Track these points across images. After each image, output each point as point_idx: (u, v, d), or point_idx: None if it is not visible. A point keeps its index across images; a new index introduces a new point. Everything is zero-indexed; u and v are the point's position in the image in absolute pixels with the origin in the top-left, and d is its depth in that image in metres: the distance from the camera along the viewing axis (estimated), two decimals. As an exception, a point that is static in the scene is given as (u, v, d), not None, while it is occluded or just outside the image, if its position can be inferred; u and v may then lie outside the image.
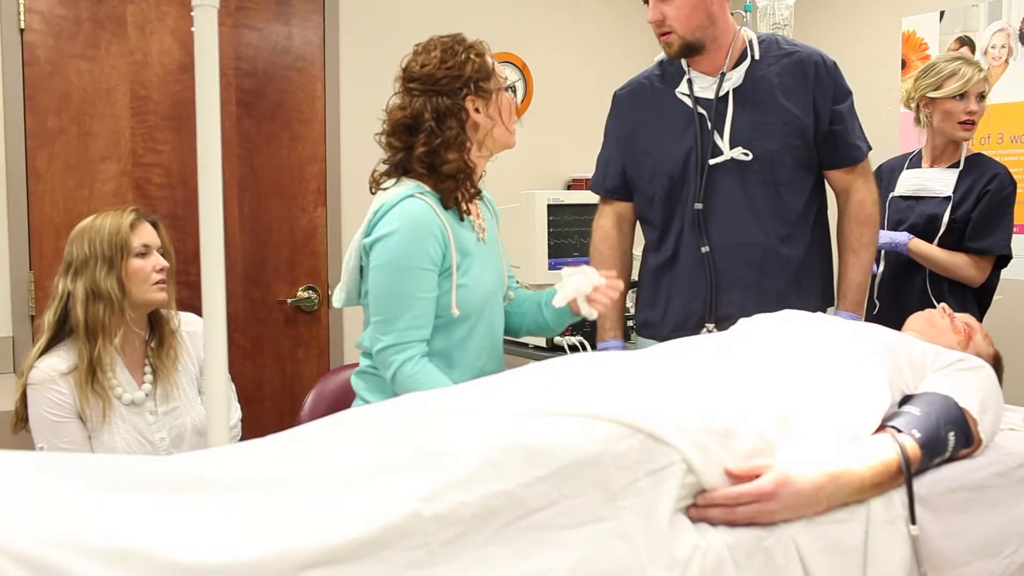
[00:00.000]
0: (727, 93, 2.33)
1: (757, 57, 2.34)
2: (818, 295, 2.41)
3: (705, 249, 2.34)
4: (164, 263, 2.26)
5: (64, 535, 1.01)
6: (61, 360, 2.16)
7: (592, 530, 1.20)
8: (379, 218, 1.94)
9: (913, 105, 3.02)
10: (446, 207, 1.98)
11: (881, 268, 3.07)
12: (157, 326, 2.31)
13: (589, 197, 3.70)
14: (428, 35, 2.08)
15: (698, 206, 2.34)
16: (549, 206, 3.53)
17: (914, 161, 3.08)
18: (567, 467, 1.22)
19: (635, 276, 2.65)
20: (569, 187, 4.19)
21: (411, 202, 1.93)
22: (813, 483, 1.38)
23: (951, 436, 1.58)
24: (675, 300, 2.42)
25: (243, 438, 2.43)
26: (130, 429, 2.20)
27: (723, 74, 2.33)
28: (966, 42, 3.88)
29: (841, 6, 4.34)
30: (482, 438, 1.23)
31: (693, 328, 2.35)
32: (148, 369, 2.28)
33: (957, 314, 2.19)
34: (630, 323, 2.66)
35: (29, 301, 3.14)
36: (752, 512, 1.33)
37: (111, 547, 1.01)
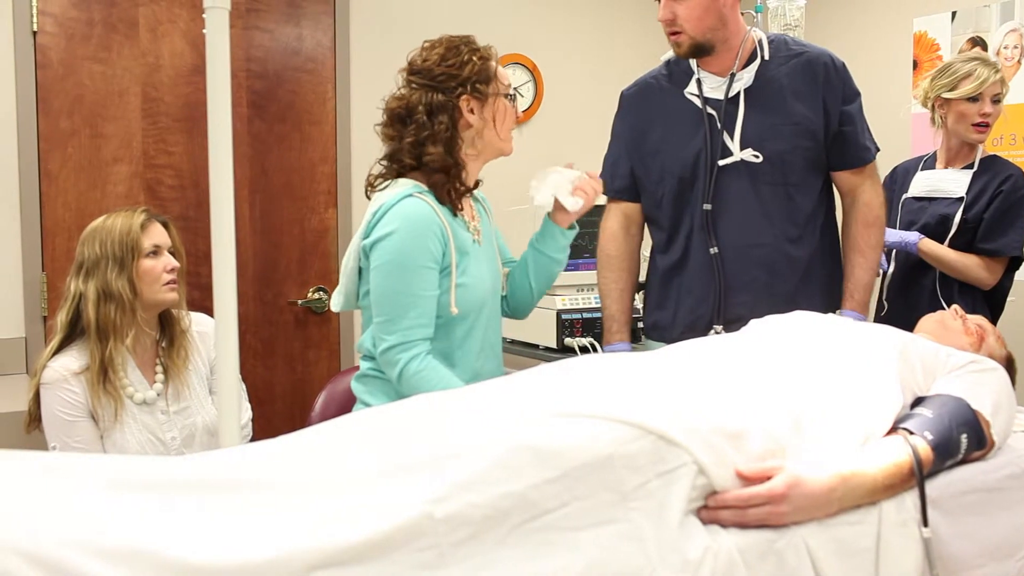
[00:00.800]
0: (737, 94, 2.32)
1: (767, 58, 2.33)
2: (827, 296, 2.40)
3: (714, 250, 2.33)
4: (175, 263, 2.26)
5: (76, 535, 1.01)
6: (73, 360, 2.16)
7: (603, 532, 1.20)
8: (378, 219, 1.95)
9: (929, 105, 2.99)
10: (440, 202, 2.00)
11: (891, 268, 3.05)
12: (168, 326, 2.32)
13: (600, 198, 3.70)
14: (438, 36, 2.10)
15: (707, 207, 2.32)
16: (559, 207, 3.53)
17: (928, 163, 3.06)
18: (578, 468, 1.22)
19: (642, 277, 2.64)
20: (592, 189, 4.18)
21: (410, 201, 1.94)
22: (824, 485, 1.37)
23: (963, 438, 1.57)
24: (685, 302, 2.40)
25: (254, 438, 2.43)
26: (142, 428, 2.20)
27: (733, 74, 2.33)
28: (978, 42, 3.86)
29: (852, 7, 4.33)
30: (493, 439, 1.23)
31: (703, 330, 2.34)
32: (159, 368, 2.29)
33: (969, 316, 2.17)
34: (639, 325, 2.63)
35: (41, 302, 3.15)
36: (763, 514, 1.33)
37: (123, 547, 1.01)
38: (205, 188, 2.33)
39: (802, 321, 1.95)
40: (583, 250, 3.52)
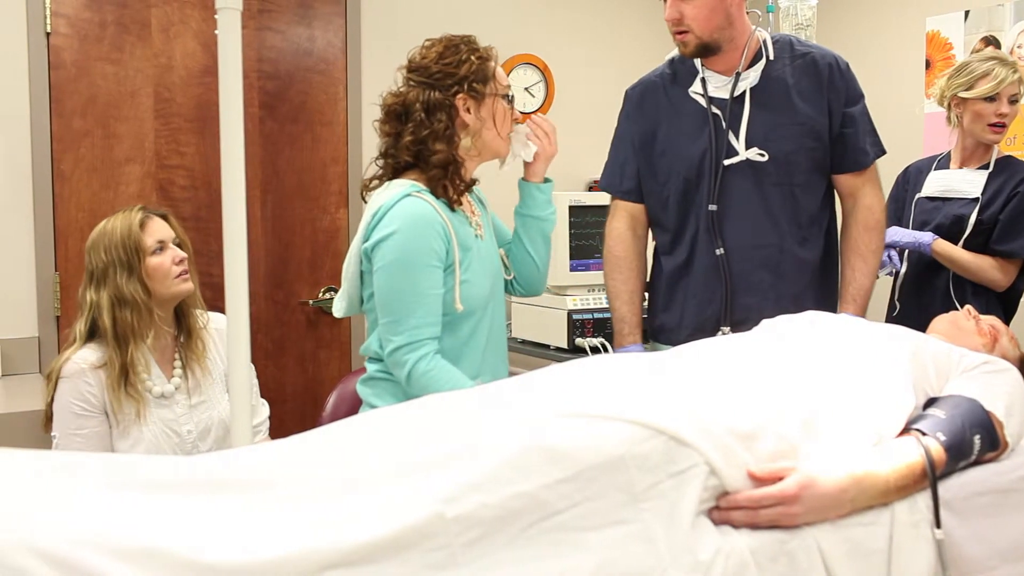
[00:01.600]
0: (743, 93, 2.31)
1: (772, 57, 2.32)
2: (833, 298, 2.39)
3: (720, 251, 2.31)
4: (182, 254, 2.25)
5: (90, 534, 1.01)
6: (92, 352, 2.16)
7: (614, 532, 1.20)
8: (377, 220, 1.95)
9: (945, 104, 2.97)
10: (436, 196, 1.99)
11: (904, 268, 3.03)
12: (184, 318, 2.31)
13: (603, 198, 3.70)
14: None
15: (712, 207, 2.31)
16: (571, 207, 3.53)
17: (942, 162, 3.03)
18: (589, 469, 1.21)
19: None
20: (590, 188, 4.18)
21: (410, 201, 1.94)
22: (837, 485, 1.37)
23: (976, 439, 1.56)
24: (691, 304, 2.38)
25: (266, 439, 2.44)
26: (157, 421, 2.19)
27: (738, 74, 2.31)
28: (992, 42, 3.83)
29: (864, 6, 4.31)
30: (504, 439, 1.23)
31: (710, 332, 2.31)
32: (178, 363, 2.29)
33: (983, 316, 2.16)
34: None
35: (54, 302, 3.16)
36: (775, 515, 1.32)
37: (136, 546, 1.01)
38: (217, 188, 2.34)
39: (814, 321, 1.94)
40: (594, 250, 3.52)
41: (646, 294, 2.55)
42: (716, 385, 1.51)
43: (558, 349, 3.46)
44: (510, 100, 2.12)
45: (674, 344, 2.25)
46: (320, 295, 3.70)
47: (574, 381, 1.48)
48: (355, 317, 3.75)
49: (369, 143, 3.73)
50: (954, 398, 1.65)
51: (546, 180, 2.23)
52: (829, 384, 1.59)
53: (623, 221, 2.50)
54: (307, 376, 3.71)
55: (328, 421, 2.35)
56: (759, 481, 1.34)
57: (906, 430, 1.56)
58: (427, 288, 1.92)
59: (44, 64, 3.15)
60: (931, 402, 1.67)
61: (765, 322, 2.02)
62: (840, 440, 1.48)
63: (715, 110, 2.32)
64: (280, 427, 2.42)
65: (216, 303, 2.15)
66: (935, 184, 2.99)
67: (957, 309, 2.67)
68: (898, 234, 2.88)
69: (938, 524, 1.44)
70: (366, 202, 2.07)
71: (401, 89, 2.06)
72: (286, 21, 3.60)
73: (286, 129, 3.61)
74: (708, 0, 2.21)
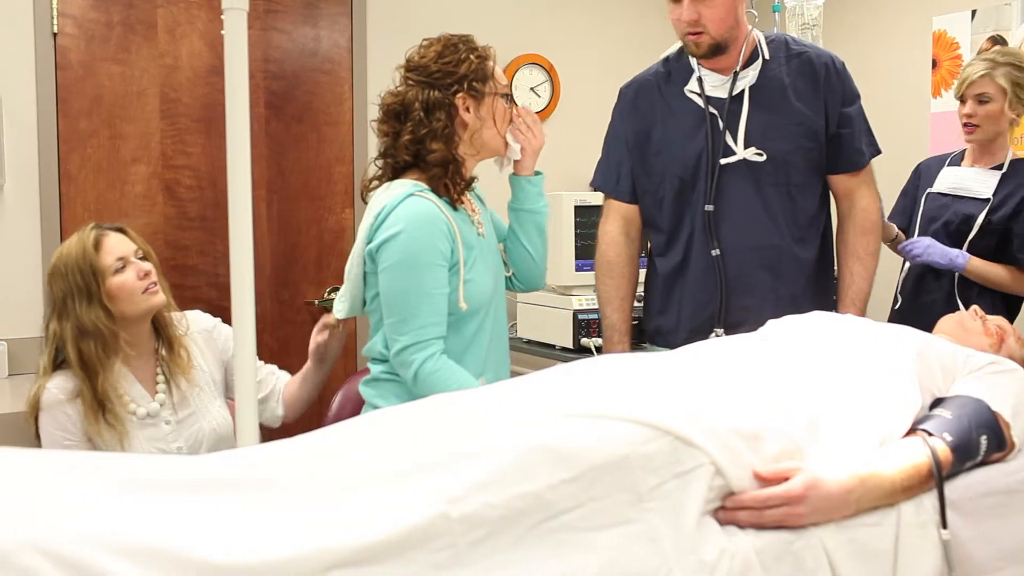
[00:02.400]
0: (741, 92, 2.29)
1: (767, 57, 2.32)
2: (828, 298, 2.39)
3: (716, 252, 2.29)
4: (146, 267, 2.11)
5: (97, 534, 1.02)
6: (67, 380, 2.06)
7: (619, 532, 1.20)
8: (381, 220, 1.94)
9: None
10: (438, 196, 1.99)
11: (907, 265, 3.01)
12: (162, 330, 2.19)
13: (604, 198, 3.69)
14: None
15: (708, 208, 2.29)
16: (576, 207, 3.53)
17: (955, 160, 3.01)
18: (594, 469, 1.21)
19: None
20: (596, 188, 4.17)
21: (414, 200, 1.94)
22: (842, 486, 1.37)
23: (983, 440, 1.56)
24: (687, 306, 2.36)
25: (271, 439, 2.44)
26: (144, 444, 2.10)
27: (736, 73, 2.30)
28: (999, 41, 3.82)
29: (871, 6, 4.30)
30: (509, 439, 1.23)
31: (707, 334, 2.28)
32: (161, 377, 2.17)
33: (989, 316, 2.16)
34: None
35: (61, 302, 3.17)
36: (780, 515, 1.32)
37: (143, 546, 1.01)
38: (223, 188, 2.35)
39: (820, 321, 1.94)
40: (599, 250, 3.51)
41: (640, 296, 2.53)
42: (721, 385, 1.51)
43: (563, 349, 3.46)
44: (509, 99, 2.11)
45: (671, 347, 2.22)
46: (325, 295, 3.70)
47: (579, 381, 1.48)
48: (361, 317, 3.74)
49: (375, 143, 3.73)
50: (960, 398, 1.65)
51: (536, 173, 2.21)
52: (835, 384, 1.59)
53: (616, 224, 2.46)
54: (313, 376, 3.70)
55: (333, 421, 2.35)
56: (765, 481, 1.34)
57: (912, 430, 1.56)
58: (433, 288, 1.92)
59: (51, 64, 3.16)
60: (937, 402, 1.67)
61: (771, 322, 2.01)
62: (846, 440, 1.48)
63: (712, 109, 2.30)
64: (285, 427, 2.42)
65: (222, 303, 2.15)
66: (947, 180, 2.95)
67: (959, 307, 2.66)
68: (932, 253, 2.78)
69: (944, 525, 1.44)
70: (367, 203, 2.06)
71: (400, 88, 2.06)
72: (292, 21, 3.60)
73: (292, 129, 3.61)
74: (725, 1, 2.20)
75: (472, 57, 2.03)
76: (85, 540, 1.00)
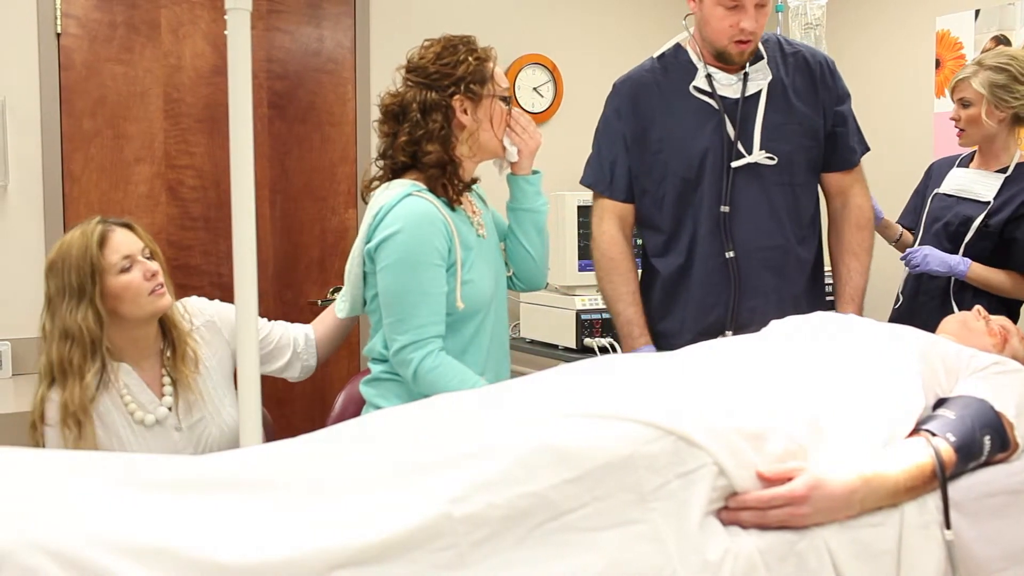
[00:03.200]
0: (756, 93, 2.29)
1: (765, 56, 2.32)
2: (824, 297, 2.40)
3: (730, 254, 2.28)
4: (153, 267, 1.99)
5: (101, 534, 1.02)
6: None
7: (622, 532, 1.20)
8: (379, 220, 1.94)
9: None
10: (437, 196, 1.99)
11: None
12: (168, 331, 2.07)
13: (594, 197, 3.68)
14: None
15: (724, 209, 2.27)
16: (579, 207, 3.53)
17: (964, 161, 2.99)
18: (597, 469, 1.21)
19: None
20: (587, 186, 4.17)
21: (411, 200, 1.94)
22: (846, 486, 1.37)
23: (986, 440, 1.56)
24: (692, 309, 2.33)
25: (274, 439, 2.43)
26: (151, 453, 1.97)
27: (746, 73, 2.29)
28: (1002, 41, 3.82)
29: (874, 5, 4.30)
30: (512, 439, 1.23)
31: (714, 337, 2.23)
32: (167, 380, 2.06)
33: (993, 316, 2.15)
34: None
35: (64, 302, 3.17)
36: (784, 515, 1.32)
37: (147, 546, 1.02)
38: (226, 188, 2.36)
39: (823, 322, 1.94)
40: (602, 250, 3.51)
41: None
42: (725, 385, 1.51)
43: (567, 349, 3.46)
44: (508, 101, 2.11)
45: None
46: (329, 295, 3.71)
47: (582, 381, 1.48)
48: (364, 317, 3.75)
49: (377, 143, 3.73)
50: (964, 399, 1.65)
51: (534, 172, 2.20)
52: (839, 385, 1.59)
53: (614, 223, 2.41)
54: (315, 376, 3.67)
55: (336, 421, 2.34)
56: (768, 481, 1.34)
57: (916, 431, 1.56)
58: (431, 287, 1.92)
59: (54, 65, 3.17)
60: (941, 403, 1.67)
61: (774, 323, 2.01)
62: (849, 441, 1.48)
63: (717, 107, 2.28)
64: (288, 427, 2.41)
65: (225, 302, 2.15)
66: (953, 182, 2.94)
67: (955, 308, 2.64)
68: (930, 262, 2.75)
69: (948, 525, 1.44)
70: (367, 203, 2.07)
71: (399, 89, 2.07)
72: (295, 21, 3.61)
73: (295, 129, 3.62)
74: (767, 11, 2.22)
75: (470, 59, 2.02)
76: (89, 540, 1.00)
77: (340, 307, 2.12)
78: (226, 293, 1.91)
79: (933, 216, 2.92)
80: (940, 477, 1.45)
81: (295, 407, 3.63)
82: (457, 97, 2.01)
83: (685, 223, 2.33)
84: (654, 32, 4.35)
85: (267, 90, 3.54)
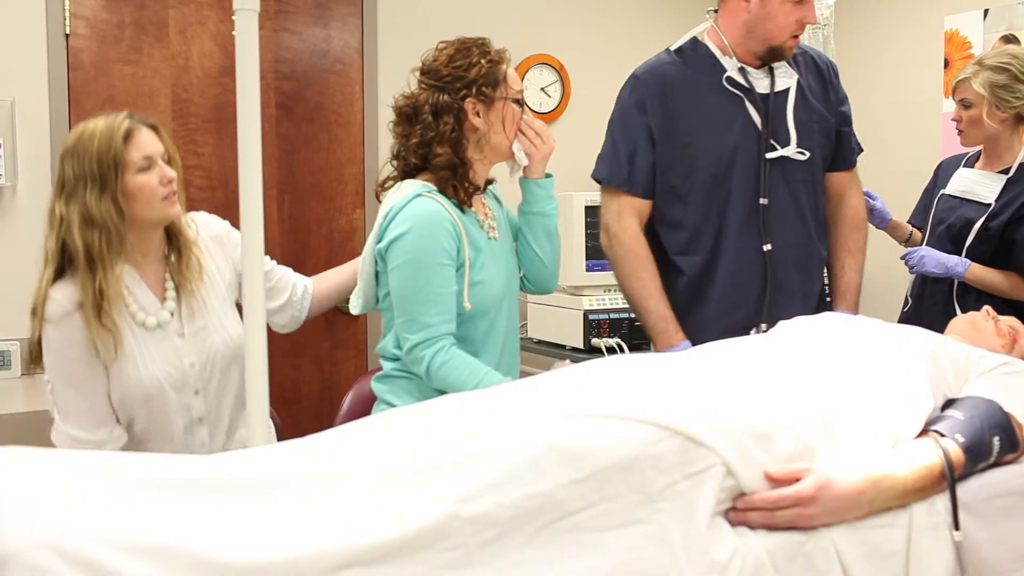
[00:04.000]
0: (786, 89, 2.31)
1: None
2: (824, 297, 2.44)
3: (767, 247, 2.27)
4: (171, 174, 1.96)
5: (111, 534, 1.02)
6: (74, 288, 1.91)
7: (630, 533, 1.20)
8: (389, 221, 1.96)
9: None
10: (447, 197, 2.00)
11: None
12: (174, 237, 2.04)
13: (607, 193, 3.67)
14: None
15: (763, 201, 2.26)
16: (587, 207, 3.53)
17: (970, 161, 2.97)
18: (605, 469, 1.21)
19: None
20: (601, 180, 4.17)
21: (420, 201, 1.96)
22: (854, 487, 1.36)
23: (996, 441, 1.55)
24: (716, 307, 2.30)
25: (282, 439, 2.44)
26: (156, 360, 1.96)
27: (772, 68, 2.30)
28: (1011, 40, 3.80)
29: (882, 5, 4.29)
30: (520, 440, 1.23)
31: (741, 334, 2.18)
32: (170, 285, 2.02)
33: (1002, 317, 2.15)
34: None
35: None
36: (792, 516, 1.32)
37: (156, 546, 1.02)
38: (234, 188, 2.37)
39: (831, 322, 1.93)
40: (610, 250, 3.51)
41: None
42: (733, 385, 1.50)
43: (574, 349, 3.46)
44: (521, 104, 2.11)
45: None
46: (336, 295, 3.71)
47: (590, 381, 1.48)
48: (372, 317, 3.76)
49: (385, 144, 3.73)
50: (973, 399, 1.64)
51: (547, 175, 2.20)
52: (847, 385, 1.59)
53: (634, 219, 2.34)
54: (323, 376, 3.72)
55: (344, 421, 2.35)
56: (776, 482, 1.34)
57: (924, 431, 1.55)
58: (440, 286, 1.94)
59: (63, 65, 3.18)
60: (949, 403, 1.67)
61: (782, 323, 2.01)
62: (858, 441, 1.47)
63: (750, 101, 2.29)
64: (296, 427, 2.42)
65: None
66: (958, 183, 2.92)
67: (958, 311, 2.63)
68: (927, 264, 2.76)
69: (957, 526, 1.44)
70: (380, 203, 2.08)
71: (413, 91, 2.08)
72: (303, 22, 3.61)
73: (303, 129, 3.62)
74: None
75: (483, 61, 2.02)
76: (97, 539, 1.01)
77: (354, 304, 2.13)
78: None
79: (938, 217, 2.91)
80: (949, 478, 1.45)
81: (303, 407, 3.64)
82: (469, 100, 2.01)
83: (711, 218, 2.30)
84: (661, 32, 4.35)
85: (275, 90, 3.55)
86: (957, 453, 1.49)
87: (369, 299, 2.09)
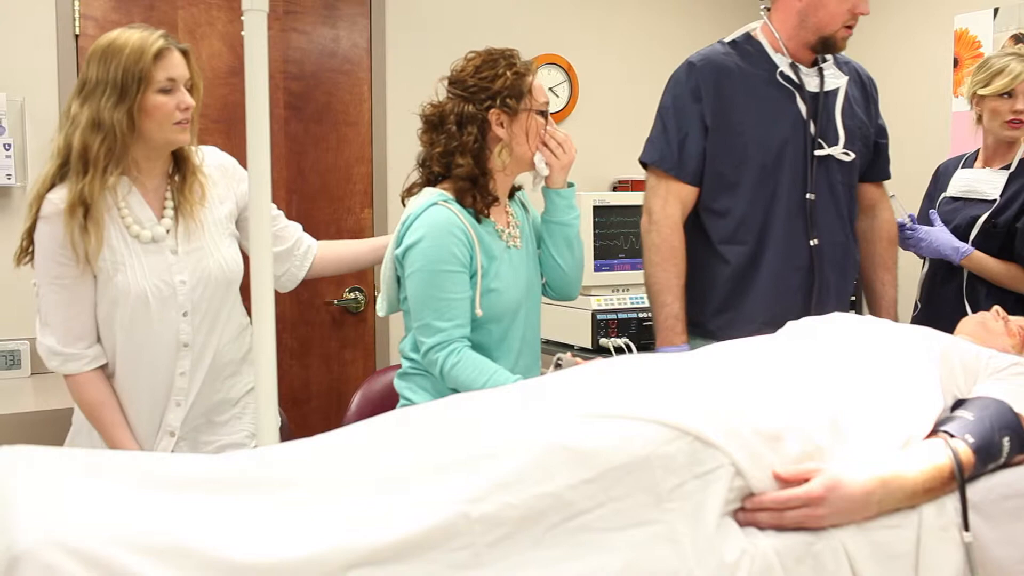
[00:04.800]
0: (834, 89, 2.35)
1: (831, 59, 2.40)
2: (860, 303, 2.46)
3: (814, 242, 2.31)
4: (190, 101, 1.99)
5: (121, 533, 1.02)
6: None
7: (639, 533, 1.20)
8: (406, 228, 2.03)
9: (971, 102, 2.93)
10: (464, 207, 2.05)
11: (925, 268, 2.99)
12: (180, 162, 2.07)
13: (636, 198, 3.65)
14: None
15: (810, 196, 2.30)
16: (595, 207, 3.52)
17: (968, 161, 2.98)
18: (614, 469, 1.21)
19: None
20: (615, 188, 4.17)
21: (434, 209, 2.01)
22: (863, 488, 1.36)
23: (1006, 441, 1.55)
24: (762, 298, 2.31)
25: (291, 438, 2.44)
26: (147, 273, 1.98)
27: (820, 68, 2.35)
28: (1021, 39, 3.79)
29: (892, 4, 4.28)
30: (529, 440, 1.23)
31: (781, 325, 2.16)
32: (169, 204, 2.04)
33: (1012, 317, 2.14)
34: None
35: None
36: (801, 516, 1.32)
37: (166, 545, 1.02)
38: (243, 189, 2.41)
39: (840, 322, 1.93)
40: (617, 251, 3.51)
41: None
42: (742, 386, 1.50)
43: (582, 349, 3.46)
44: (545, 115, 2.13)
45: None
46: (345, 295, 3.72)
47: (599, 381, 1.48)
48: (379, 319, 3.77)
49: (394, 143, 3.74)
50: (982, 400, 1.63)
51: (569, 184, 2.23)
52: (856, 386, 1.58)
53: (677, 209, 2.34)
54: (332, 375, 3.72)
55: (353, 420, 2.35)
56: (785, 482, 1.34)
57: (934, 432, 1.55)
58: (452, 293, 1.99)
59: (73, 66, 3.18)
60: (959, 404, 1.66)
61: (790, 323, 2.01)
62: (867, 442, 1.47)
63: (799, 97, 2.33)
64: (305, 426, 2.42)
65: (243, 303, 2.16)
66: (958, 184, 2.93)
67: (968, 311, 2.63)
68: (924, 252, 2.81)
69: (966, 527, 1.43)
70: (405, 207, 2.14)
71: (441, 100, 2.12)
72: (311, 22, 3.62)
73: (311, 129, 3.63)
74: None
75: (508, 73, 2.06)
76: (108, 539, 1.01)
77: (380, 306, 2.19)
78: (243, 293, 1.92)
79: (943, 221, 2.90)
80: (958, 479, 1.45)
81: (311, 406, 3.65)
82: (493, 110, 2.05)
83: (758, 209, 2.32)
84: (669, 32, 4.35)
85: (283, 91, 3.56)
86: (967, 454, 1.48)
87: (393, 301, 2.15)
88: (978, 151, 2.98)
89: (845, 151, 2.32)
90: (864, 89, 2.44)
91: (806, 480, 1.34)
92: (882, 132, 2.46)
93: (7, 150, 3.05)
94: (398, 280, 2.10)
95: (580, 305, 3.46)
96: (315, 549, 1.05)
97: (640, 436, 1.26)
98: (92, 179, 1.90)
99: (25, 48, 3.12)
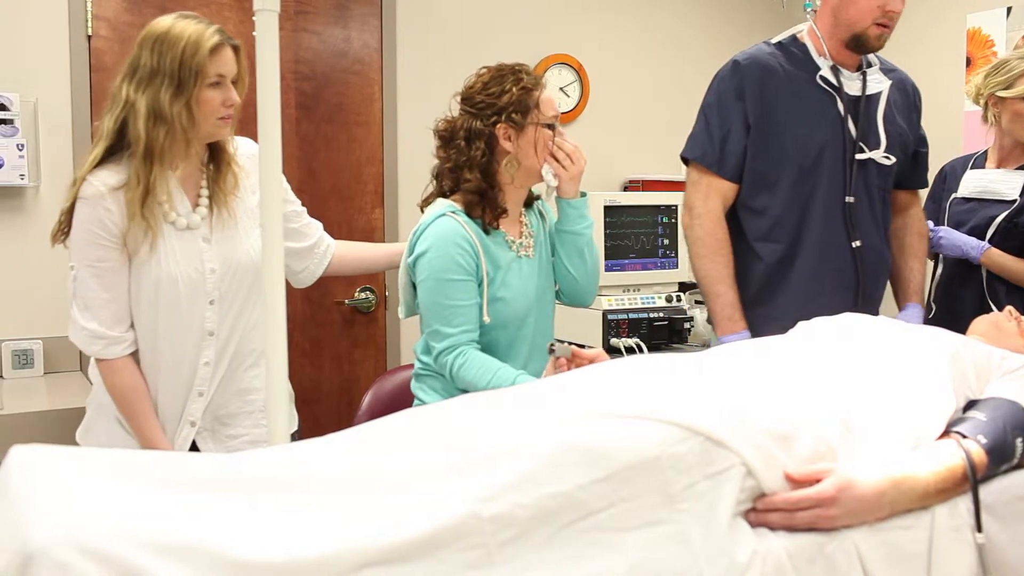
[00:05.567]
0: (876, 94, 2.38)
1: (876, 64, 2.43)
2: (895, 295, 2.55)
3: (856, 244, 2.35)
4: (236, 99, 2.05)
5: (134, 532, 1.02)
6: (113, 175, 1.98)
7: (650, 533, 1.20)
8: (416, 238, 2.11)
9: (982, 102, 2.90)
10: (472, 219, 2.11)
11: (940, 270, 2.97)
12: (216, 152, 2.13)
13: (646, 198, 3.66)
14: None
15: (850, 199, 2.35)
16: (606, 207, 3.52)
17: (978, 162, 2.95)
18: (625, 469, 1.21)
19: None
20: (626, 188, 4.17)
21: (442, 221, 2.08)
22: (875, 488, 1.36)
23: (1019, 442, 1.54)
24: (795, 296, 2.36)
25: (302, 438, 2.45)
26: (179, 261, 2.03)
27: (864, 72, 2.37)
28: (1034, 39, 3.77)
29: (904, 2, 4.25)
30: (540, 439, 1.23)
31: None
32: (204, 193, 2.10)
33: (1025, 317, 2.13)
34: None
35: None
36: (812, 517, 1.31)
37: (180, 544, 1.02)
38: (254, 189, 2.41)
39: (852, 323, 1.92)
40: (628, 251, 3.50)
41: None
42: (753, 386, 1.50)
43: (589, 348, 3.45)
44: (553, 128, 2.16)
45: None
46: (356, 295, 3.72)
47: (610, 381, 1.48)
48: (391, 317, 3.78)
49: (404, 143, 3.75)
50: (995, 400, 1.63)
51: (582, 194, 2.25)
52: (868, 386, 1.58)
53: (719, 202, 2.41)
54: (343, 375, 3.73)
55: (363, 420, 2.36)
56: (797, 483, 1.33)
57: (946, 433, 1.54)
58: (459, 300, 2.06)
59: (85, 66, 3.20)
60: (971, 404, 1.65)
61: (801, 324, 2.00)
62: (879, 442, 1.47)
63: (840, 100, 2.36)
64: (316, 426, 2.43)
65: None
66: (971, 184, 2.91)
67: (992, 310, 2.63)
68: (943, 249, 2.81)
69: (979, 528, 1.43)
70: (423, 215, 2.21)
71: (454, 116, 2.18)
72: (322, 22, 3.63)
73: (322, 129, 3.63)
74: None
75: (515, 89, 2.10)
76: (121, 537, 1.01)
77: (400, 310, 2.26)
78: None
79: (955, 220, 2.89)
80: (971, 479, 1.44)
81: (322, 406, 3.65)
82: (500, 125, 2.10)
83: (794, 209, 2.37)
84: (679, 32, 4.35)
85: (295, 91, 3.56)
86: (979, 454, 1.48)
87: (410, 306, 2.23)
88: (987, 151, 2.95)
89: (886, 155, 2.35)
90: (908, 97, 2.47)
91: (818, 481, 1.34)
92: (922, 141, 2.51)
93: (20, 150, 3.06)
94: (413, 286, 2.16)
95: (591, 305, 3.45)
96: (327, 548, 1.05)
97: (651, 436, 1.25)
98: (161, 171, 1.96)
99: (38, 49, 3.14)
